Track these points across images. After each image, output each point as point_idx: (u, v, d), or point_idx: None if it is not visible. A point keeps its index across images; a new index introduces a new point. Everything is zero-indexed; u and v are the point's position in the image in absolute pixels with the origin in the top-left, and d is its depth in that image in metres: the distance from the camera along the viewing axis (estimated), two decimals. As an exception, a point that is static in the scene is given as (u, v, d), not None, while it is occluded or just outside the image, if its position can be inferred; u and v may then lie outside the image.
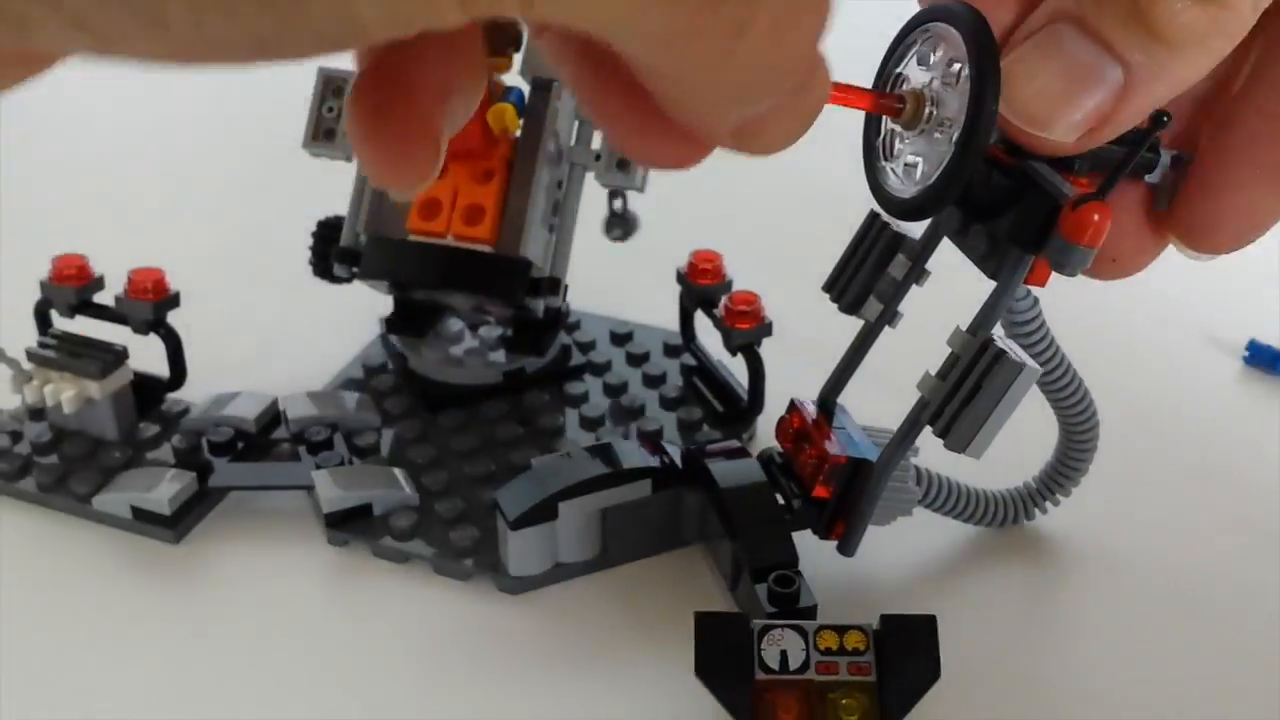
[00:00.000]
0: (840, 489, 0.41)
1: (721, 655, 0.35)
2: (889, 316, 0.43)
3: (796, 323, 0.51)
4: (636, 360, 0.55)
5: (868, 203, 0.40)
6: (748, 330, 0.48)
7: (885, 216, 0.42)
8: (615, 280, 0.58)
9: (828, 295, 0.44)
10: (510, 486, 0.42)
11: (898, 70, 0.38)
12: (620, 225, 0.50)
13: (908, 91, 0.38)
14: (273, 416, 0.49)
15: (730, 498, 0.41)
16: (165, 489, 0.43)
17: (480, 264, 0.46)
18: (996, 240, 0.38)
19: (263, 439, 0.48)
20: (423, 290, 0.49)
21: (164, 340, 0.48)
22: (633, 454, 0.43)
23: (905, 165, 0.38)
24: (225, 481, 0.45)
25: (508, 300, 0.47)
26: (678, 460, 0.44)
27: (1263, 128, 0.37)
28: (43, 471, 0.46)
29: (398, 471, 0.46)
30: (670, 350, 0.56)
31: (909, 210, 0.38)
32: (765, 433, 0.51)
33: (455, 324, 0.54)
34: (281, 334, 0.57)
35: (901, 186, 0.38)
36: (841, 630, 0.35)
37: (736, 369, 0.52)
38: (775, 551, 0.40)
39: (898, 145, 0.38)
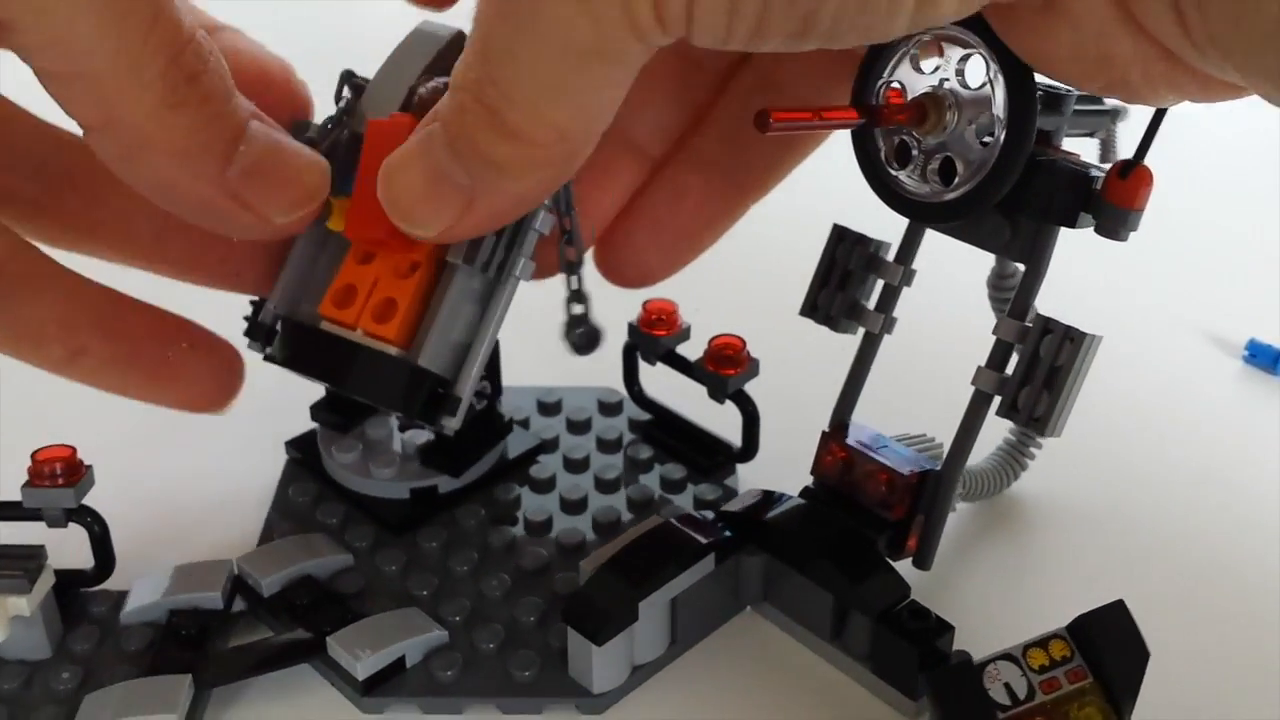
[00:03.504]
0: (911, 505, 0.39)
1: (965, 709, 0.32)
2: (889, 324, 0.42)
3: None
4: (578, 428, 0.51)
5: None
6: (739, 375, 0.45)
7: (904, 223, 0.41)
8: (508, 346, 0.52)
9: (811, 319, 0.43)
10: (578, 598, 0.38)
11: (886, 81, 0.37)
12: (582, 332, 0.44)
13: (924, 96, 0.37)
14: (234, 586, 0.42)
15: (820, 547, 0.39)
16: (166, 704, 0.36)
17: (377, 367, 0.40)
18: (1018, 223, 0.38)
19: (229, 613, 0.41)
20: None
21: (88, 528, 0.40)
22: (682, 532, 0.40)
23: (931, 169, 0.37)
24: (228, 676, 0.38)
25: (403, 414, 0.41)
26: (717, 526, 0.41)
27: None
28: (-17, 722, 0.37)
29: (415, 612, 0.40)
30: (606, 409, 0.52)
31: (955, 210, 0.37)
32: (745, 478, 0.48)
33: (383, 426, 0.48)
34: (178, 487, 0.49)
35: (933, 189, 0.37)
36: (1044, 644, 0.33)
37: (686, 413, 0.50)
38: (891, 589, 0.38)
39: (913, 151, 0.37)
